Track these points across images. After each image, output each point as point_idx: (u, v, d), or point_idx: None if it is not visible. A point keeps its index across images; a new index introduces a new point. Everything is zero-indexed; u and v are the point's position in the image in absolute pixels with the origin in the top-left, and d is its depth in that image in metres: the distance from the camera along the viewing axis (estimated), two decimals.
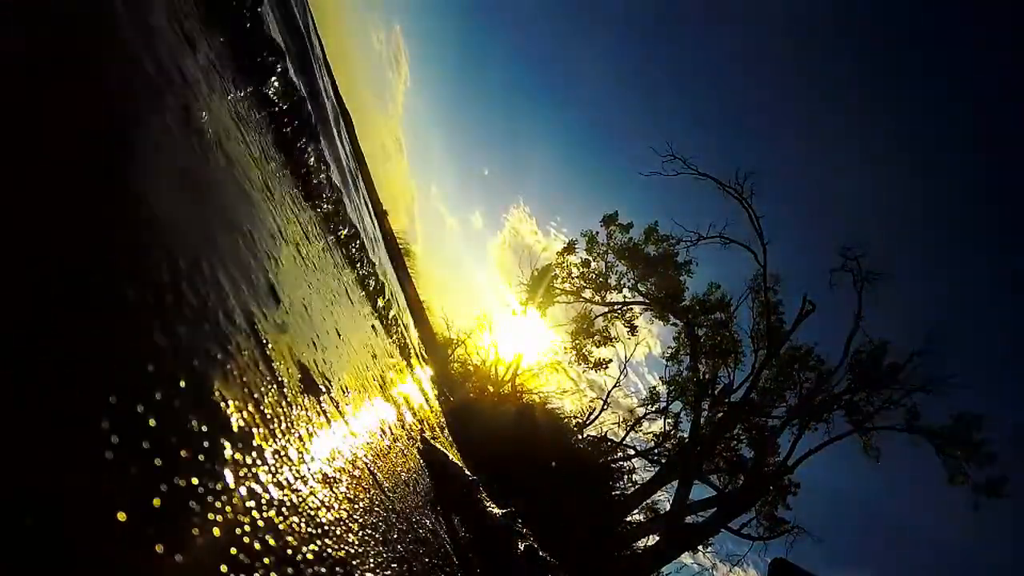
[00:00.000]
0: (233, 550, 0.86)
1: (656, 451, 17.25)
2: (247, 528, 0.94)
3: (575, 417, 19.60)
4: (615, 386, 19.98)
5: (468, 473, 4.94)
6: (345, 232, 5.93)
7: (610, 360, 20.43)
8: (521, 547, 4.44)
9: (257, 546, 0.95)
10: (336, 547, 1.42)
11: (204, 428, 0.95)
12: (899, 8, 38.10)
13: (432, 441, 4.83)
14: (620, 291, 19.62)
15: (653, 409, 18.67)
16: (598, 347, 20.57)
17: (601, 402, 19.82)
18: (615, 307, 19.85)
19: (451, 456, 4.99)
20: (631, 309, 19.78)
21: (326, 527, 1.42)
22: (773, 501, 15.02)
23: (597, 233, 19.53)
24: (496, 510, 4.53)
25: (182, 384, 0.94)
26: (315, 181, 4.84)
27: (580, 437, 18.19)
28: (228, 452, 1.01)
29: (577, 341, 20.65)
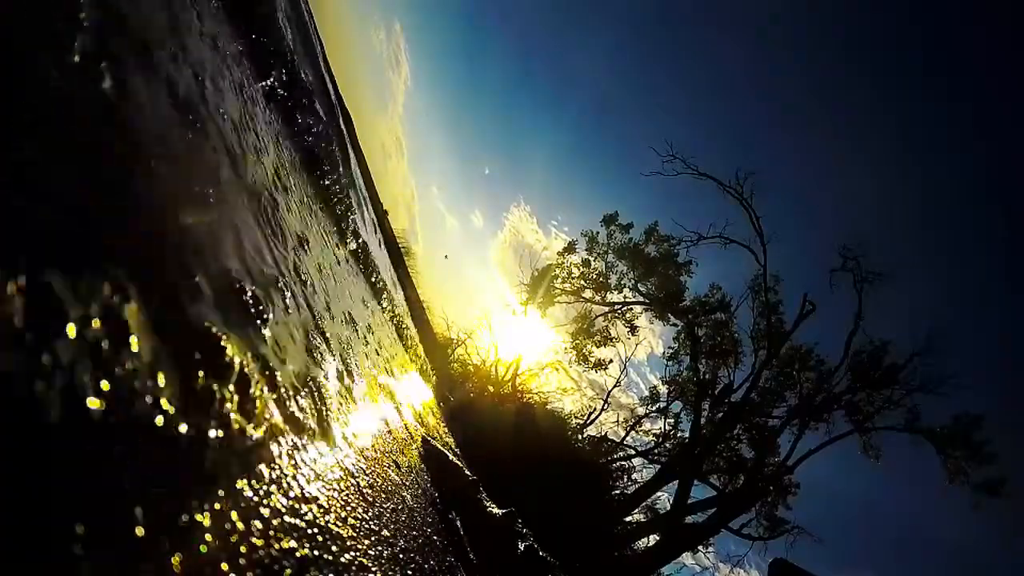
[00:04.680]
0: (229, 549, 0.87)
1: (656, 451, 17.26)
2: (239, 527, 0.95)
3: (575, 417, 19.60)
4: (615, 386, 20.00)
5: (468, 473, 4.95)
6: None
7: (610, 360, 20.42)
8: (521, 547, 4.45)
9: (251, 545, 0.95)
10: (335, 547, 1.42)
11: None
12: (899, 6, 38.10)
13: (431, 440, 4.84)
14: (620, 291, 19.62)
15: (653, 409, 18.68)
16: (598, 347, 20.55)
17: (601, 402, 19.84)
18: (615, 307, 19.85)
19: (450, 456, 4.99)
20: (631, 309, 19.78)
21: (325, 526, 1.42)
22: (773, 501, 15.02)
23: (597, 233, 19.54)
24: (496, 510, 4.54)
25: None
26: None
27: (580, 437, 18.20)
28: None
29: (577, 341, 20.63)
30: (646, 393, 19.55)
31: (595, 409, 19.94)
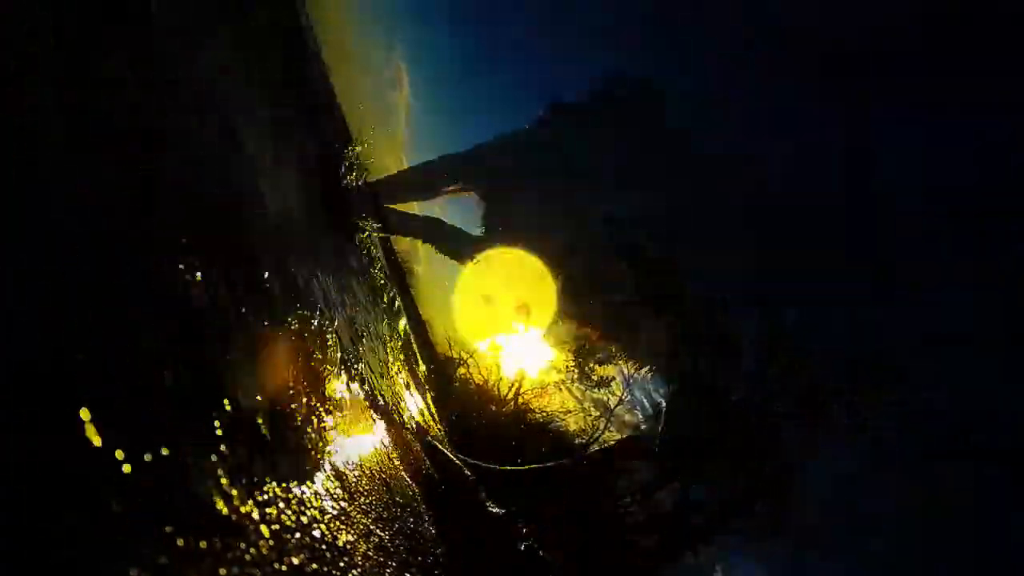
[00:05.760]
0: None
1: (656, 453, 17.09)
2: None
3: (579, 436, 19.52)
4: (619, 404, 19.95)
5: (468, 473, 5.02)
6: None
7: (613, 378, 20.42)
8: (522, 547, 4.49)
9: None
10: (343, 541, 1.54)
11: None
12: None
13: (434, 441, 4.94)
14: None
15: (653, 415, 18.57)
16: (601, 366, 20.59)
17: (604, 420, 19.74)
18: None
19: (452, 457, 5.08)
20: None
21: (328, 521, 1.52)
22: (775, 502, 14.81)
23: None
24: (496, 509, 4.60)
25: None
26: None
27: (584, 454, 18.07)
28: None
29: (580, 359, 20.69)
30: (650, 411, 19.47)
31: (598, 428, 19.83)
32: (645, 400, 20.92)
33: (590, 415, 20.32)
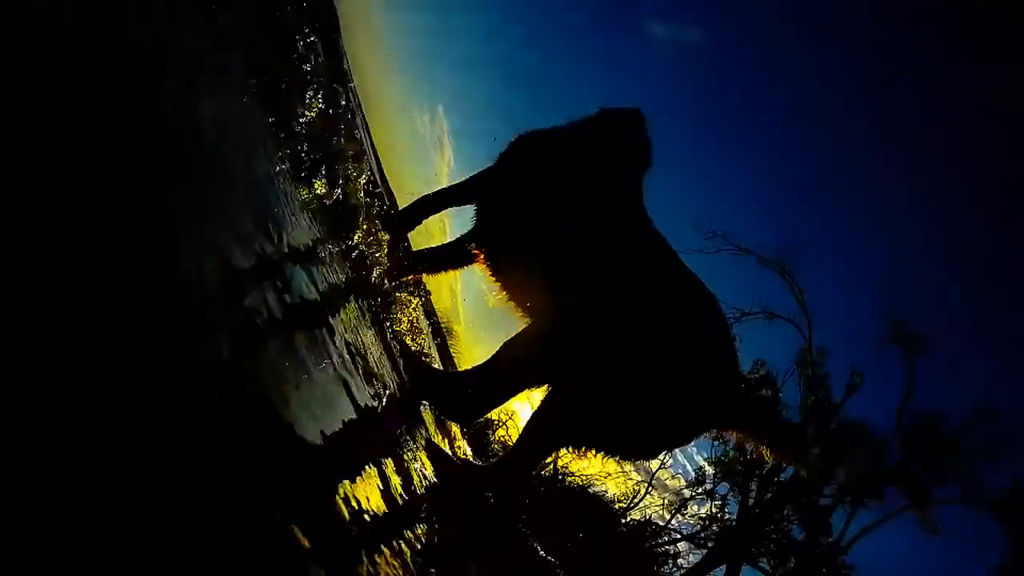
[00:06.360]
0: None
1: (703, 534, 16.30)
2: None
3: (619, 500, 18.98)
4: (660, 467, 19.38)
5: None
6: None
7: None
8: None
9: None
10: None
11: None
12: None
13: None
14: None
15: (700, 491, 17.87)
16: None
17: (646, 484, 19.14)
18: None
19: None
20: None
21: None
22: None
23: None
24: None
25: None
26: None
27: (624, 521, 17.51)
28: None
29: None
30: (692, 475, 18.79)
31: (639, 492, 19.20)
32: (688, 464, 20.12)
33: (631, 479, 19.75)
